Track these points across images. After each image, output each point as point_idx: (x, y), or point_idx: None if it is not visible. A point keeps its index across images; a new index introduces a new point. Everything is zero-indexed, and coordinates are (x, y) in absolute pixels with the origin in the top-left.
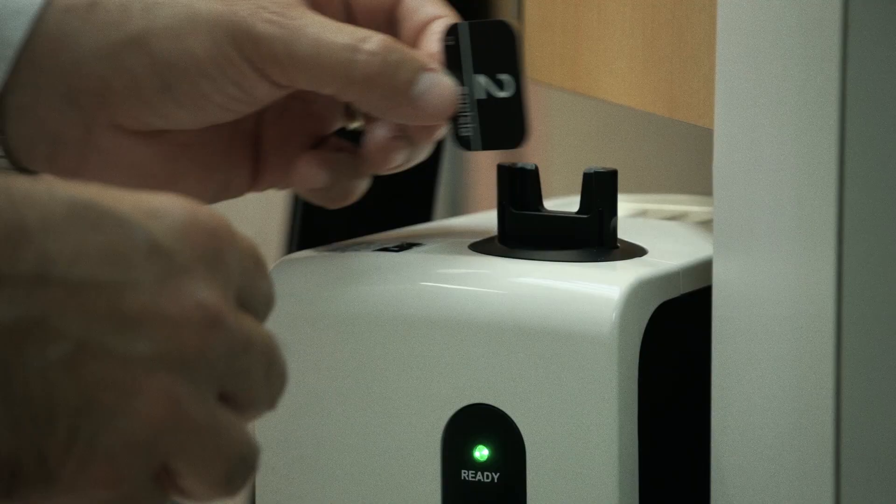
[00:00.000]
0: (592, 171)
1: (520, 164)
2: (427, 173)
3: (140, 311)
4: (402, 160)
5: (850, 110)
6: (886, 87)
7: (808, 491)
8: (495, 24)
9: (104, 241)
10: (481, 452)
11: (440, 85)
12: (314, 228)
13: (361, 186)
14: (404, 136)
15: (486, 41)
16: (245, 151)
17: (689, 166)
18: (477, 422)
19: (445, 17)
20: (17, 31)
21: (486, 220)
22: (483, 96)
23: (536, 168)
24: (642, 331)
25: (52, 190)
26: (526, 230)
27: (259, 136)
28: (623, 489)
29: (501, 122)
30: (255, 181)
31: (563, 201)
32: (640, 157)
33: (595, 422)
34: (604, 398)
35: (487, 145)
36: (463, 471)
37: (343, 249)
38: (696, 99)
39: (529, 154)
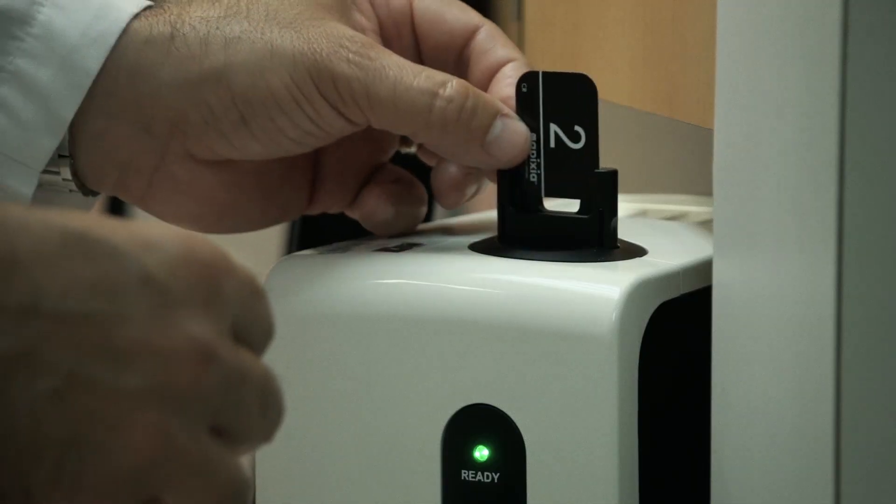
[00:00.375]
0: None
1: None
2: (427, 173)
3: (131, 345)
4: (471, 194)
5: (850, 110)
6: (886, 87)
7: (808, 491)
8: (574, 76)
9: (96, 272)
10: (481, 452)
11: (513, 131)
12: (314, 228)
13: (422, 215)
14: (474, 172)
15: (561, 92)
16: (304, 177)
17: (689, 166)
18: (477, 422)
19: (517, 61)
20: (94, 61)
21: (486, 220)
22: (553, 145)
23: None
24: (642, 331)
25: (46, 220)
26: (526, 230)
27: (319, 162)
28: (623, 489)
29: (568, 172)
30: (311, 204)
31: (563, 201)
32: (640, 157)
33: (595, 422)
34: (604, 398)
35: (551, 193)
36: (463, 471)
37: (343, 249)
38: (696, 99)
39: None
